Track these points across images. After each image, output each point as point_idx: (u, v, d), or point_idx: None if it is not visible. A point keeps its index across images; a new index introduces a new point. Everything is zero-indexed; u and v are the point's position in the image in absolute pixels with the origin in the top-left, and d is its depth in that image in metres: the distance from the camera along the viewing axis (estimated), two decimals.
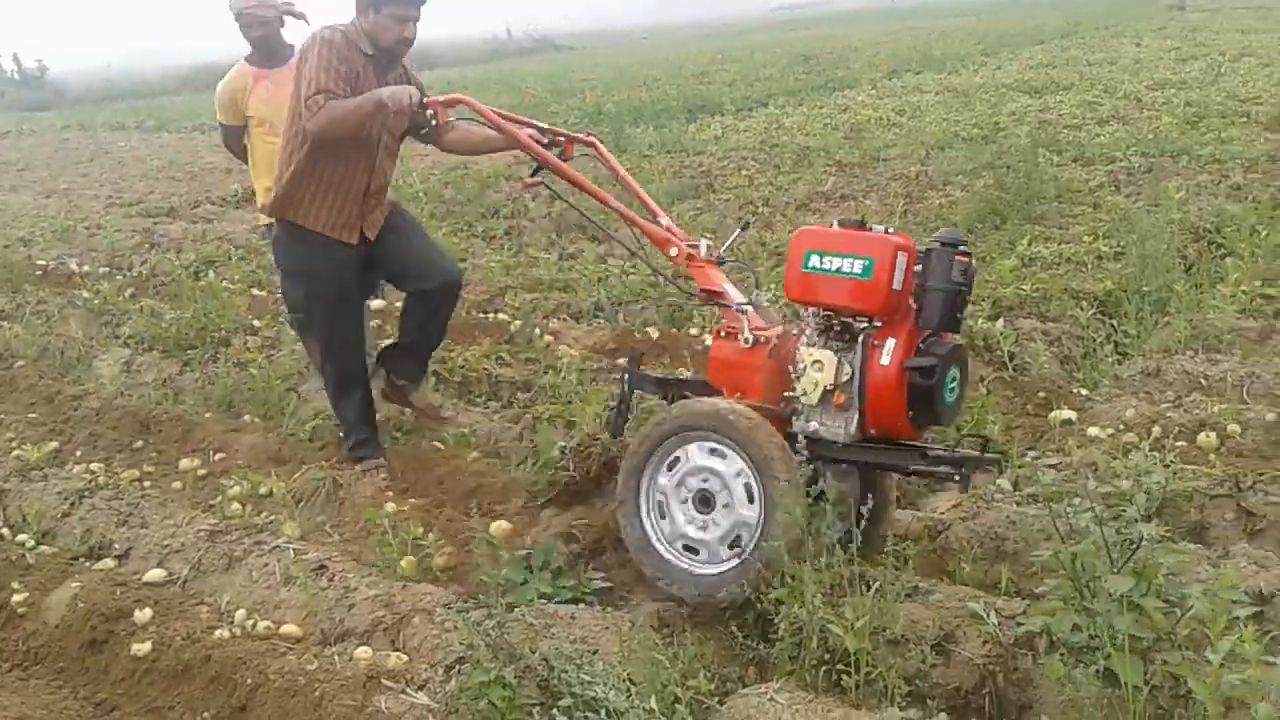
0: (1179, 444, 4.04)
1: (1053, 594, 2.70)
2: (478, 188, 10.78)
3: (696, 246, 3.60)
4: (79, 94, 35.14)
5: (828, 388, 3.17)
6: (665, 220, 3.83)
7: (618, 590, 3.34)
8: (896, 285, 3.11)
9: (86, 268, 8.61)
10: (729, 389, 3.33)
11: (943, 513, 3.82)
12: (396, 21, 4.09)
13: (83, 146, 19.07)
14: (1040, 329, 5.31)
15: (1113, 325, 5.45)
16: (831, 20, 46.31)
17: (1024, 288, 5.75)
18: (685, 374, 3.77)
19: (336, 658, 3.09)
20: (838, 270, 3.13)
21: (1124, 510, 2.71)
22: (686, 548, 3.16)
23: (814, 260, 3.19)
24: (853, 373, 3.16)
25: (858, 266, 3.10)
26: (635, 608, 3.18)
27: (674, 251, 3.59)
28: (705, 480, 3.12)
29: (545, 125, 4.19)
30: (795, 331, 3.33)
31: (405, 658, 3.06)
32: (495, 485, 4.17)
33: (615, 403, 3.81)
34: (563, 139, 4.15)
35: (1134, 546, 2.80)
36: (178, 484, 4.58)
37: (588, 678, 2.66)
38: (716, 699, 2.77)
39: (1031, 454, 4.17)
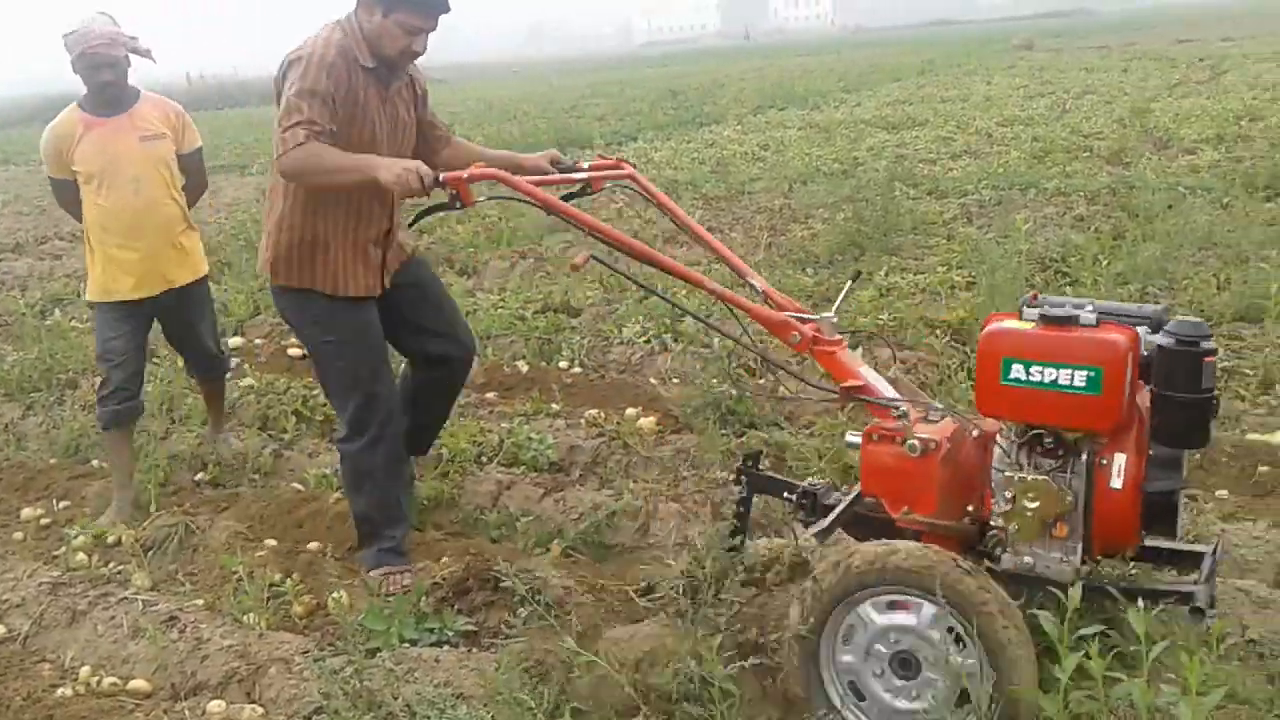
0: None
1: None
2: None
3: (817, 321, 2.91)
4: None
5: (1046, 521, 2.60)
6: (758, 282, 3.09)
7: (484, 632, 3.29)
8: (1128, 394, 2.52)
9: None
10: (891, 500, 2.72)
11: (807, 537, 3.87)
12: (406, 32, 3.42)
13: None
14: (899, 357, 5.46)
15: (966, 352, 5.65)
16: (696, 57, 47.15)
17: (881, 317, 5.92)
18: (815, 481, 3.15)
19: (188, 713, 2.97)
20: (1053, 384, 2.51)
21: None
22: None
23: (1017, 371, 2.54)
24: (1076, 499, 2.59)
25: (1080, 379, 2.49)
26: (502, 649, 3.13)
27: (794, 338, 2.87)
28: (896, 641, 2.52)
29: (584, 165, 3.54)
30: (973, 432, 2.77)
31: (261, 710, 2.95)
32: None
33: (734, 509, 3.22)
34: (583, 171, 3.49)
35: None
36: (18, 534, 4.35)
37: None
38: None
39: None
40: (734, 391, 4.83)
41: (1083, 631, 2.41)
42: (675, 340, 6.05)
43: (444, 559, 3.66)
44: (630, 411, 4.96)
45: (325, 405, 5.21)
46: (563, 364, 5.90)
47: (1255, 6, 39.90)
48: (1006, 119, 14.72)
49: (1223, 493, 3.94)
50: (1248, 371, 4.91)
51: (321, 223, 3.51)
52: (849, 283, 3.28)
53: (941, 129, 14.28)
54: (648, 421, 4.85)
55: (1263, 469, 4.07)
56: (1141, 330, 2.58)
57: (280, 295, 3.69)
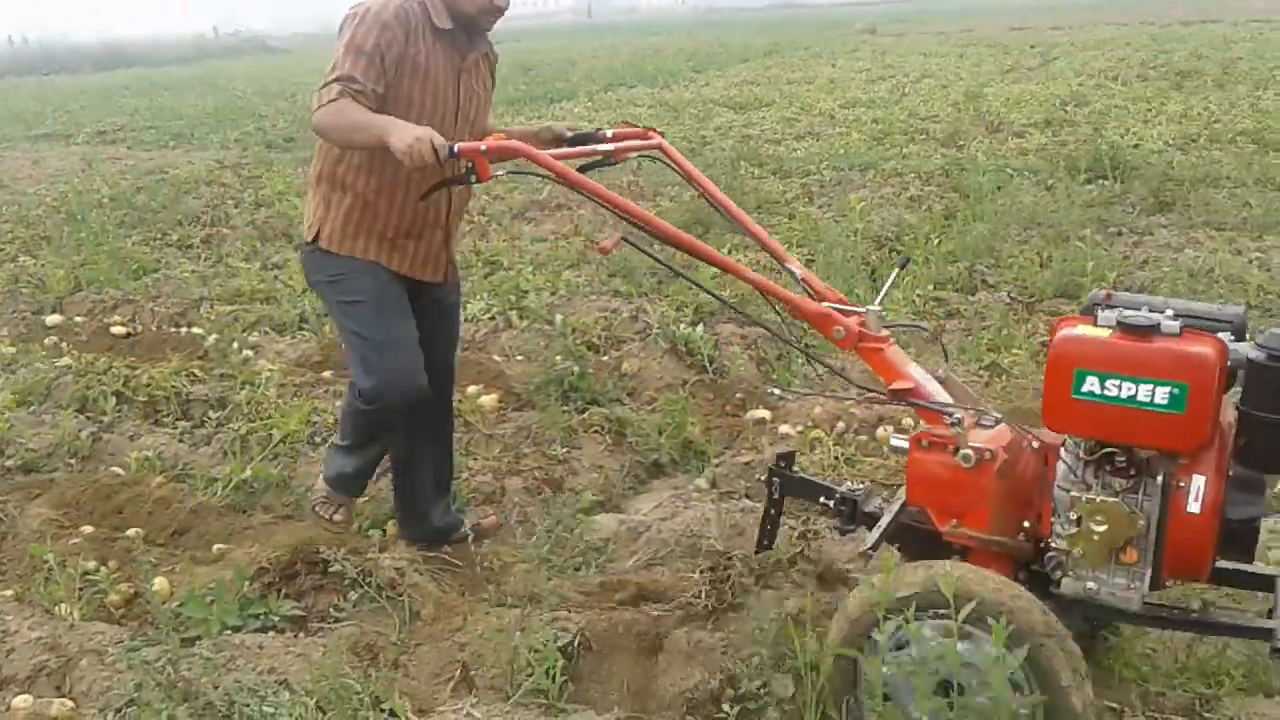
0: (860, 438, 4.32)
1: None
2: (173, 193, 10.14)
3: (862, 313, 2.69)
4: None
5: (1114, 545, 2.40)
6: (797, 268, 2.88)
7: (312, 617, 3.20)
8: (1213, 413, 2.30)
9: None
10: (939, 512, 2.52)
11: (645, 514, 3.90)
12: None
13: None
14: (739, 334, 5.55)
15: (804, 328, 5.75)
16: (548, 33, 46.83)
17: (723, 294, 5.98)
18: (854, 485, 2.95)
19: None
20: (1130, 400, 2.28)
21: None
22: None
23: (1090, 384, 2.31)
24: (1147, 523, 2.37)
25: (1162, 396, 2.25)
26: (329, 633, 3.05)
27: (838, 333, 2.65)
28: (941, 666, 2.36)
29: (607, 134, 3.25)
30: (1033, 443, 2.58)
31: (71, 704, 2.80)
32: (182, 511, 3.90)
33: (763, 511, 3.04)
34: (608, 139, 3.21)
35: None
36: None
37: (271, 710, 2.52)
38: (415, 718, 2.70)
39: (728, 452, 4.34)
40: (576, 368, 4.82)
41: (901, 596, 2.48)
42: (520, 317, 6.00)
43: (272, 542, 3.54)
44: (472, 389, 4.89)
45: (149, 385, 4.99)
46: None
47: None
48: (849, 101, 15.08)
49: None
50: None
51: (368, 175, 3.18)
52: (895, 270, 3.02)
53: (786, 110, 14.54)
54: (489, 399, 4.79)
55: None
56: (1224, 337, 2.33)
57: (313, 257, 3.32)
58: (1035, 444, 2.57)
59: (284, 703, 2.57)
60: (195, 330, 6.07)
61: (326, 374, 5.30)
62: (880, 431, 4.37)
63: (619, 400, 4.78)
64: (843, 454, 4.08)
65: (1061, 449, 2.50)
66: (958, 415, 2.46)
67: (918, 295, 6.04)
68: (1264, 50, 18.69)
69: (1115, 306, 2.40)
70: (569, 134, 3.35)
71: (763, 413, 4.67)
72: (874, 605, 2.33)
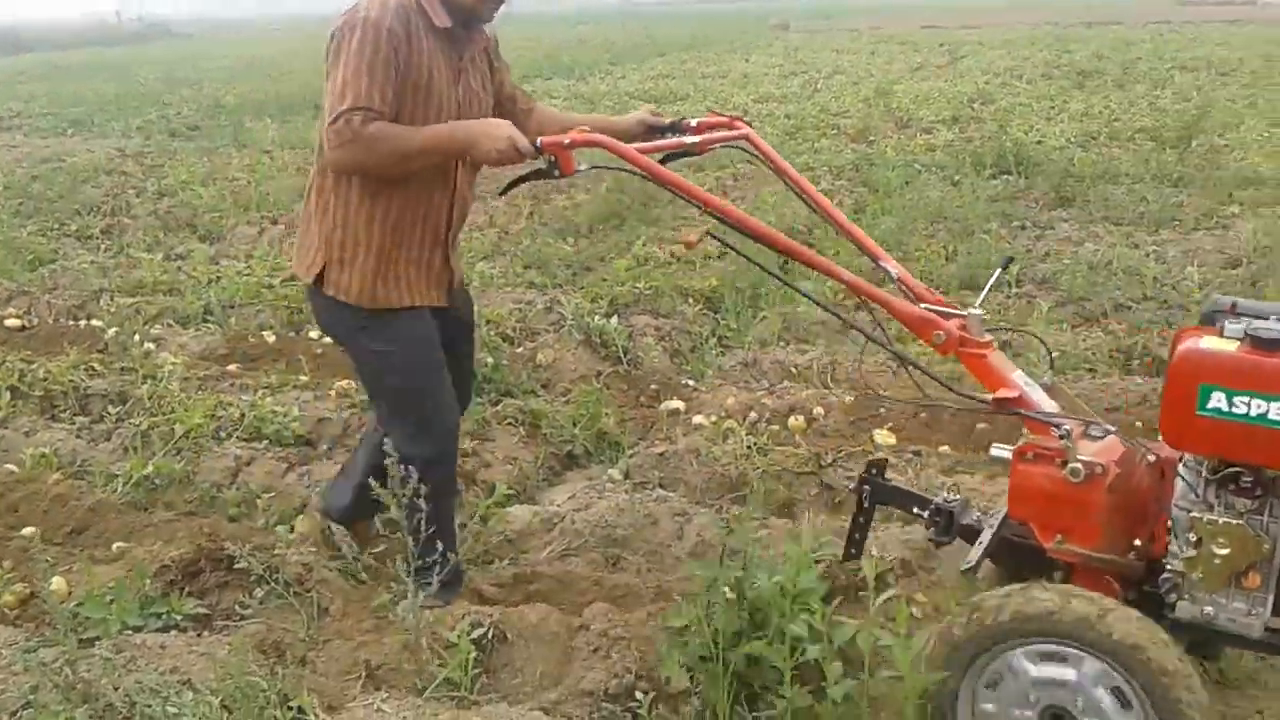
0: (772, 427, 4.37)
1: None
2: (71, 182, 9.82)
3: (963, 317, 2.53)
4: None
5: (1236, 569, 2.26)
6: (894, 267, 2.71)
7: (216, 615, 3.13)
8: None
9: None
10: (1044, 528, 2.41)
11: (559, 505, 3.89)
12: None
13: None
14: (653, 325, 5.56)
15: (717, 320, 5.82)
16: None
17: (638, 286, 6.00)
18: (949, 495, 2.79)
19: None
20: (1261, 418, 2.13)
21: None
22: None
23: (1217, 401, 2.17)
24: (1273, 546, 2.24)
25: None
26: (235, 631, 2.98)
27: (938, 338, 2.50)
28: (1049, 695, 2.25)
29: (692, 123, 3.05)
30: (1148, 457, 2.46)
31: None
32: (80, 509, 3.78)
33: (850, 520, 2.90)
34: (692, 129, 3.02)
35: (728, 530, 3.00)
36: None
37: (174, 710, 2.46)
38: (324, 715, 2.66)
39: (642, 443, 4.35)
40: (490, 360, 4.78)
41: (810, 582, 2.52)
42: None
43: (174, 540, 3.45)
44: None
45: (45, 380, 4.83)
46: (313, 334, 5.67)
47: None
48: (762, 96, 15.23)
49: (945, 448, 4.22)
50: None
51: (381, 224, 2.90)
52: (998, 270, 2.87)
53: (702, 104, 14.61)
54: None
55: (980, 425, 4.38)
56: None
57: (329, 307, 3.00)
58: (1151, 458, 2.45)
59: (187, 703, 2.50)
60: (95, 323, 5.89)
61: (232, 367, 5.19)
62: (792, 420, 4.42)
63: (533, 392, 4.76)
64: (755, 443, 4.11)
65: (1180, 465, 2.37)
66: (1067, 427, 2.35)
67: (829, 286, 6.11)
68: (1162, 51, 19.34)
69: (1242, 316, 2.25)
70: (664, 122, 3.12)
71: (676, 403, 4.69)
72: (981, 633, 2.24)
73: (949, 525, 2.70)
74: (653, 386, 4.91)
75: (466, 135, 2.69)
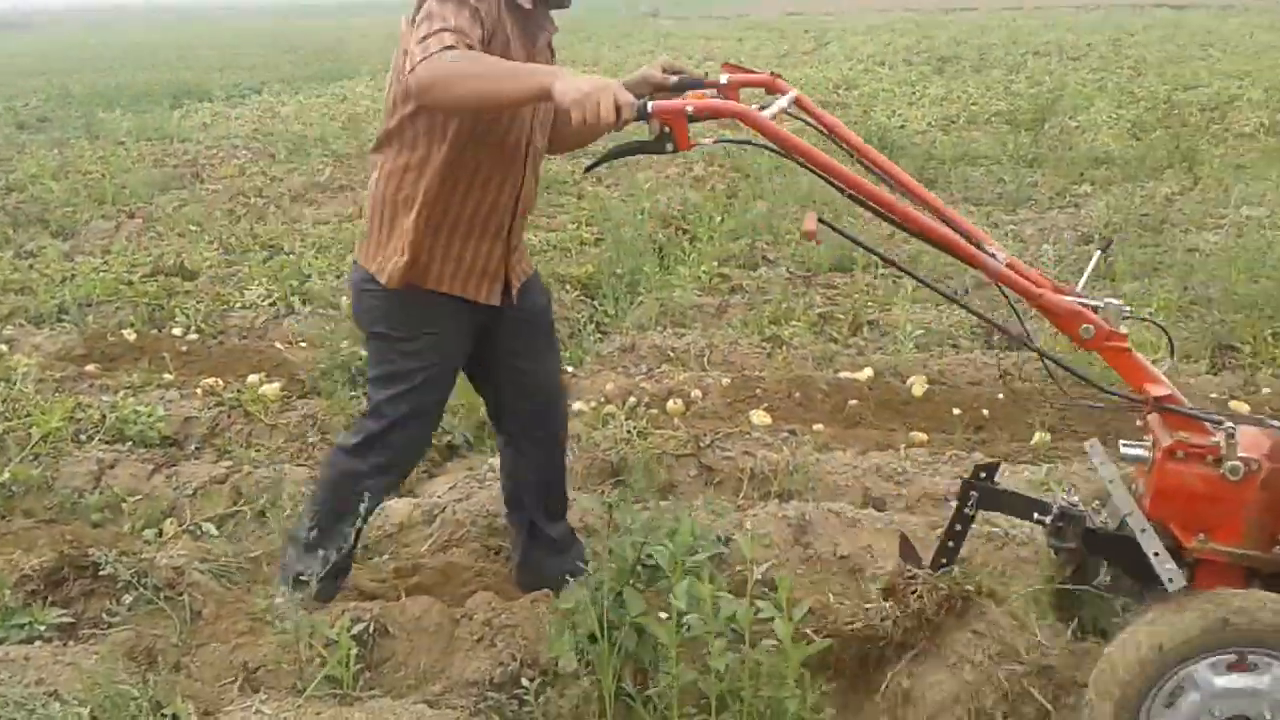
0: (651, 411, 4.41)
1: None
2: None
3: (1099, 307, 2.34)
4: None
5: None
6: (999, 250, 2.44)
7: (82, 624, 3.01)
8: None
9: None
10: (1185, 527, 2.32)
11: (439, 496, 3.86)
12: None
13: None
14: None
15: (595, 306, 5.83)
16: (317, 11, 45.32)
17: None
18: (1069, 498, 2.58)
19: None
20: None
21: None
22: None
23: None
24: None
25: None
26: (102, 639, 2.88)
27: (1087, 331, 2.30)
28: (1233, 705, 2.19)
29: (723, 79, 2.69)
30: None
31: None
32: None
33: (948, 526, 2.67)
34: (720, 86, 2.65)
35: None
36: None
37: None
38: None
39: None
40: (362, 353, 4.69)
41: (693, 559, 2.55)
42: (303, 302, 5.81)
43: (35, 548, 3.30)
44: (252, 378, 4.70)
45: None
46: (177, 331, 5.50)
47: None
48: None
49: (819, 426, 4.32)
50: (840, 316, 5.41)
51: (451, 207, 2.67)
52: (1097, 253, 2.73)
53: None
54: (271, 388, 4.61)
55: (852, 403, 4.50)
56: None
57: (381, 298, 2.75)
58: None
59: (55, 714, 2.41)
60: None
61: (90, 367, 4.98)
62: (670, 404, 4.47)
63: None
64: (635, 428, 4.14)
65: None
66: (1228, 424, 2.26)
67: (704, 271, 6.19)
68: (1017, 37, 20.06)
69: None
70: (673, 79, 2.77)
71: None
72: (1163, 650, 2.16)
73: (1077, 531, 2.48)
74: None
75: (560, 82, 2.24)
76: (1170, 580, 2.23)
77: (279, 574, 3.03)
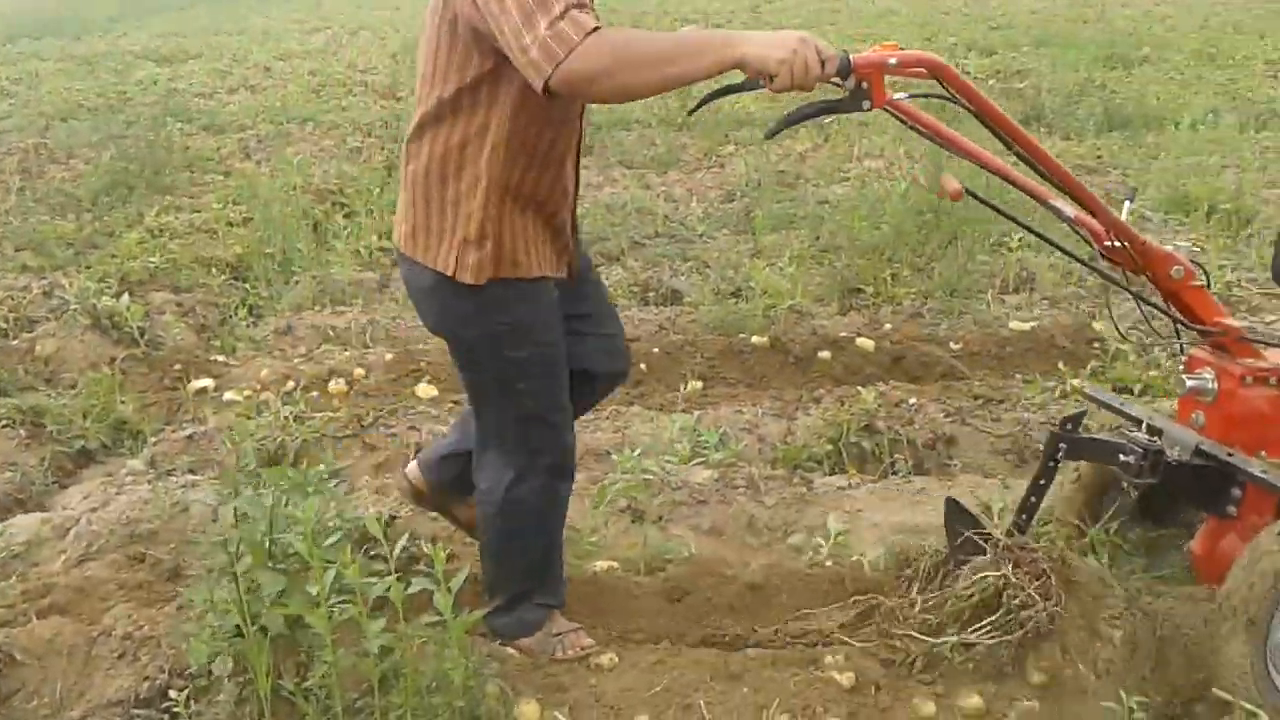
0: (312, 394, 4.25)
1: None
2: None
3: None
4: None
5: None
6: (1069, 207, 2.59)
7: None
8: None
9: None
10: (1248, 447, 2.50)
11: (73, 508, 3.54)
12: None
13: None
14: (173, 300, 5.18)
15: (246, 289, 5.53)
16: None
17: (153, 260, 5.55)
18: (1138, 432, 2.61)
19: None
20: None
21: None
22: None
23: None
24: None
25: None
26: None
27: (1178, 272, 2.54)
28: None
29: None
30: None
31: None
32: None
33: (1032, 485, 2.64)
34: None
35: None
36: None
37: None
38: None
39: (168, 428, 4.06)
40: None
41: (330, 541, 2.47)
42: None
43: None
44: None
45: None
46: None
47: None
48: (285, 53, 14.58)
49: None
50: None
51: (519, 184, 2.36)
52: (1127, 203, 2.75)
53: (218, 62, 13.73)
54: None
55: None
56: None
57: (459, 297, 2.41)
58: None
59: None
60: None
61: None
62: (332, 385, 4.33)
63: (33, 387, 4.27)
64: (293, 413, 3.97)
65: None
66: None
67: (363, 246, 6.02)
68: (667, 5, 20.74)
69: None
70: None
71: (206, 381, 4.42)
72: None
73: (1156, 466, 2.49)
74: (177, 366, 4.58)
75: (750, 47, 2.02)
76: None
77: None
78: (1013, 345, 4.56)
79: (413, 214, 2.43)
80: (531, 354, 2.48)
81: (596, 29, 2.03)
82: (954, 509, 2.66)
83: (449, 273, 2.38)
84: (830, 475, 3.59)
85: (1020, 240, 5.31)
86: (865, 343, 4.55)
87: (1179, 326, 2.64)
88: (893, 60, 2.14)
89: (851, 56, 2.08)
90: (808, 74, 2.01)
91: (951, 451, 3.73)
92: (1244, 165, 7.01)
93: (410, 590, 2.40)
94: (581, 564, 3.05)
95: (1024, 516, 2.62)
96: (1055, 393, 3.94)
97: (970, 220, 5.53)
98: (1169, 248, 2.58)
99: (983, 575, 2.41)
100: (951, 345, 4.57)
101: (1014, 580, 2.39)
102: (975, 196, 2.50)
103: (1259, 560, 2.28)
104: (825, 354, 4.49)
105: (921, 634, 2.47)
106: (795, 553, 3.17)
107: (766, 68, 2.01)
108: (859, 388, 4.00)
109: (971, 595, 2.42)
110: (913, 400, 3.93)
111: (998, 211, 2.63)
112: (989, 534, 2.52)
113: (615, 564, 3.13)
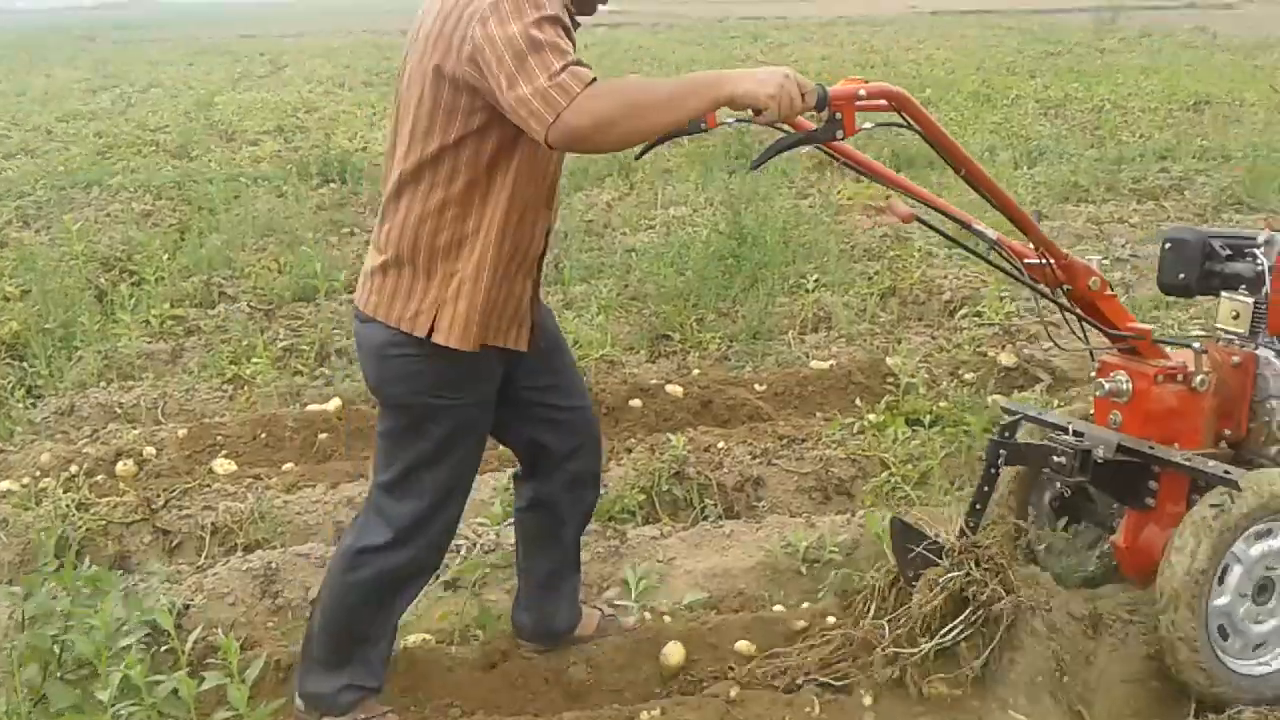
0: (97, 478, 4.00)
1: None
2: None
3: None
4: None
5: None
6: (989, 230, 2.75)
7: None
8: None
9: None
10: (1163, 440, 2.72)
11: None
12: None
13: None
14: None
15: (23, 368, 5.18)
16: None
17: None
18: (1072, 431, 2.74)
19: None
20: None
21: None
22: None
23: None
24: None
25: None
26: None
27: (1094, 283, 2.72)
28: (1266, 569, 2.59)
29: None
30: (1234, 360, 2.83)
31: None
32: None
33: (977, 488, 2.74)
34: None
35: None
36: None
37: None
38: None
39: None
40: None
41: (125, 642, 2.34)
42: None
43: None
44: None
45: None
46: None
47: (311, 6, 43.18)
48: (68, 114, 13.88)
49: (289, 465, 4.16)
50: (305, 347, 5.24)
51: (504, 243, 2.35)
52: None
53: None
54: None
55: (322, 436, 4.39)
56: None
57: (426, 360, 2.37)
58: (1235, 359, 2.84)
59: None
60: None
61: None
62: (120, 466, 4.09)
63: None
64: (75, 500, 3.71)
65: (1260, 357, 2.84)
66: (1199, 345, 2.79)
67: (154, 315, 5.74)
68: None
69: None
70: None
71: None
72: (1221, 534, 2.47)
73: (1087, 466, 2.68)
74: None
75: (735, 84, 2.15)
76: (1226, 473, 2.55)
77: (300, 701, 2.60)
78: (813, 384, 4.70)
79: (382, 276, 2.39)
80: (466, 429, 2.48)
81: (594, 80, 2.11)
82: (900, 528, 2.74)
83: (412, 330, 2.36)
84: (643, 525, 3.60)
85: (816, 281, 5.50)
86: (675, 389, 4.61)
87: (1087, 333, 2.85)
88: (862, 92, 2.32)
89: (830, 89, 2.27)
90: (793, 106, 2.18)
91: (760, 493, 3.80)
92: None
93: (203, 687, 2.29)
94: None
95: (972, 521, 2.71)
96: (854, 429, 4.07)
97: (769, 264, 5.70)
98: (1086, 260, 2.77)
99: (948, 577, 2.52)
100: (756, 387, 4.68)
101: (977, 577, 2.51)
102: (923, 222, 2.74)
103: (1187, 545, 2.50)
104: (636, 402, 4.52)
105: (899, 648, 2.56)
106: (612, 608, 3.15)
107: (758, 102, 2.16)
108: (669, 434, 4.04)
109: (936, 600, 2.53)
110: (721, 444, 3.99)
111: (943, 236, 2.93)
112: (941, 545, 2.62)
113: (429, 636, 3.05)
